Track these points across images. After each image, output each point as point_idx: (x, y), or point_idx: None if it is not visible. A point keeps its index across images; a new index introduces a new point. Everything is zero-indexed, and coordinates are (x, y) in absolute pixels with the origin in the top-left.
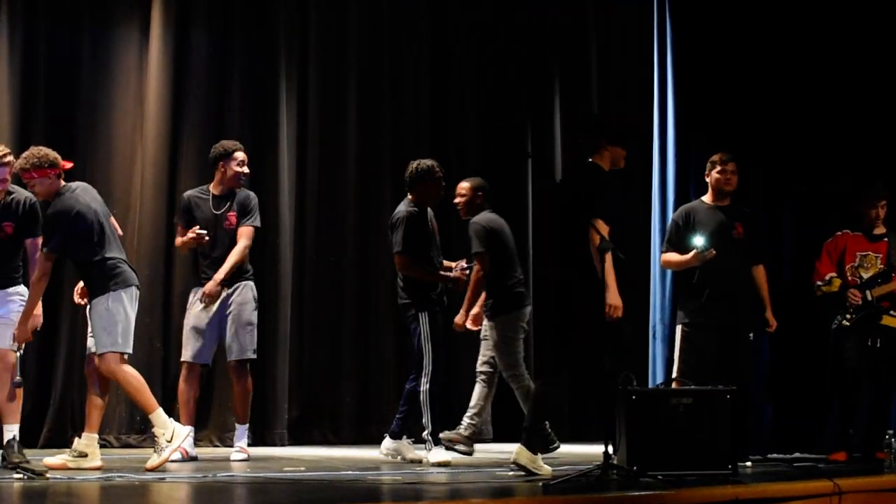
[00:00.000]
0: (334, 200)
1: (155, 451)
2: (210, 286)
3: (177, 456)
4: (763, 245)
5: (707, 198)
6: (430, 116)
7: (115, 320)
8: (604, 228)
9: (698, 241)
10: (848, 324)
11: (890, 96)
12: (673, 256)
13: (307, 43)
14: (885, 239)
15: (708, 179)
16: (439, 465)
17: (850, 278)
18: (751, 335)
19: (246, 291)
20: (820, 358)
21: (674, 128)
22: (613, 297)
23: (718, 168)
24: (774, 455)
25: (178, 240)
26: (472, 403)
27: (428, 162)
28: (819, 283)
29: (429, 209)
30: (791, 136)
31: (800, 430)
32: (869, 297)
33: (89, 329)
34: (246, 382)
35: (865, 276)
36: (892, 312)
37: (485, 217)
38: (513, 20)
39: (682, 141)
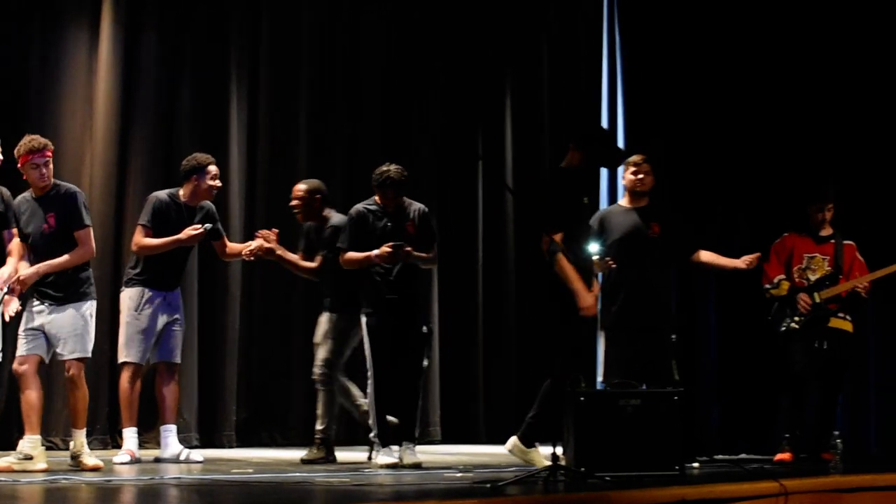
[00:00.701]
0: (284, 202)
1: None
2: None
3: (126, 458)
4: (691, 236)
5: (624, 201)
6: (381, 118)
7: (90, 327)
8: (556, 237)
9: (592, 248)
10: (797, 326)
11: (838, 99)
12: (564, 264)
13: (258, 43)
14: (832, 241)
15: (623, 181)
16: (385, 466)
17: (797, 280)
18: (673, 336)
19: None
20: (767, 360)
21: (623, 131)
22: (582, 299)
23: (632, 169)
24: (721, 456)
25: (158, 241)
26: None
27: (397, 168)
28: (767, 285)
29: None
30: (741, 139)
31: (746, 431)
32: (817, 300)
33: (22, 328)
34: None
35: (813, 278)
36: (839, 315)
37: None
38: (465, 22)
39: (632, 144)
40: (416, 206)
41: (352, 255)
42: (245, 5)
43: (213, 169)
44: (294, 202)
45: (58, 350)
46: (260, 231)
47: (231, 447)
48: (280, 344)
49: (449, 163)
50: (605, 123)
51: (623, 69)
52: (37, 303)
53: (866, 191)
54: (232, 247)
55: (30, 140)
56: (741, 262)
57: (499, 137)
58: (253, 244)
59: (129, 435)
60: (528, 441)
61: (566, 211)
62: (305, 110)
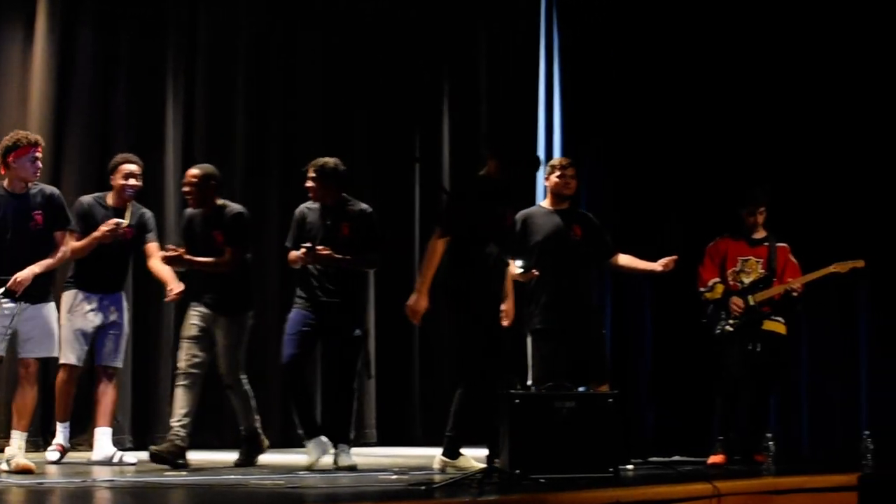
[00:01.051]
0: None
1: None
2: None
3: (56, 456)
4: (609, 240)
5: (545, 202)
6: (321, 118)
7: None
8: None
9: (518, 263)
10: (731, 329)
11: (770, 102)
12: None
13: (195, 42)
14: (766, 244)
15: (546, 183)
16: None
17: (731, 283)
18: (603, 331)
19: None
20: (701, 362)
21: (560, 134)
22: (414, 300)
23: (558, 173)
24: (655, 458)
25: (80, 243)
26: (184, 410)
27: (334, 161)
28: (702, 289)
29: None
30: (677, 141)
31: (681, 433)
32: (751, 303)
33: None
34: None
35: (747, 281)
36: (772, 317)
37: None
38: (403, 23)
39: (569, 148)
40: (360, 208)
41: (290, 254)
42: (182, 3)
43: (125, 168)
44: (187, 188)
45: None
46: (168, 247)
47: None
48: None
49: (386, 164)
50: (542, 124)
51: (561, 70)
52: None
53: (799, 193)
54: (154, 268)
55: (26, 134)
56: (658, 266)
57: (436, 139)
58: (174, 290)
59: (60, 430)
60: (453, 453)
61: (469, 217)
62: (242, 110)
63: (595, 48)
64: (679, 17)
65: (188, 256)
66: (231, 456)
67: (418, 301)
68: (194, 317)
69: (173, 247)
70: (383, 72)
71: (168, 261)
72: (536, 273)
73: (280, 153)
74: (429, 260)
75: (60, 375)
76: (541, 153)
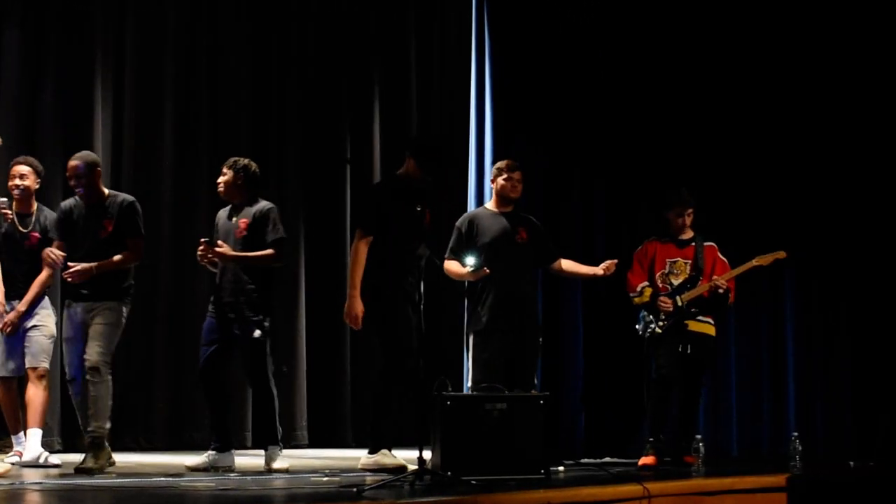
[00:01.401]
0: (150, 203)
1: None
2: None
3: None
4: (551, 244)
5: (491, 204)
6: (249, 120)
7: None
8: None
9: (469, 260)
10: (660, 331)
11: (697, 105)
12: (453, 265)
13: (123, 43)
14: (693, 244)
15: (493, 185)
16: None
17: (661, 286)
18: (539, 339)
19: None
20: (632, 364)
21: (491, 135)
22: (351, 306)
23: (505, 175)
24: (587, 460)
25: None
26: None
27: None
28: (631, 294)
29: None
30: (607, 145)
31: (612, 435)
32: (679, 303)
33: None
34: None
35: (676, 282)
36: (701, 318)
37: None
38: (334, 22)
39: (501, 148)
40: (120, 198)
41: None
42: (109, 2)
43: (11, 171)
44: (73, 180)
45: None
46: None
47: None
48: (144, 344)
49: (316, 165)
50: (473, 121)
51: (492, 66)
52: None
53: (723, 189)
54: (42, 275)
55: None
56: (599, 270)
57: (367, 140)
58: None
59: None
60: (375, 450)
61: (384, 215)
62: (171, 109)
63: (527, 45)
64: (607, 14)
65: (87, 265)
66: (161, 458)
67: (353, 305)
68: (68, 318)
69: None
70: (313, 70)
71: (73, 277)
72: (487, 271)
73: (209, 152)
74: (355, 263)
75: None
76: (472, 151)
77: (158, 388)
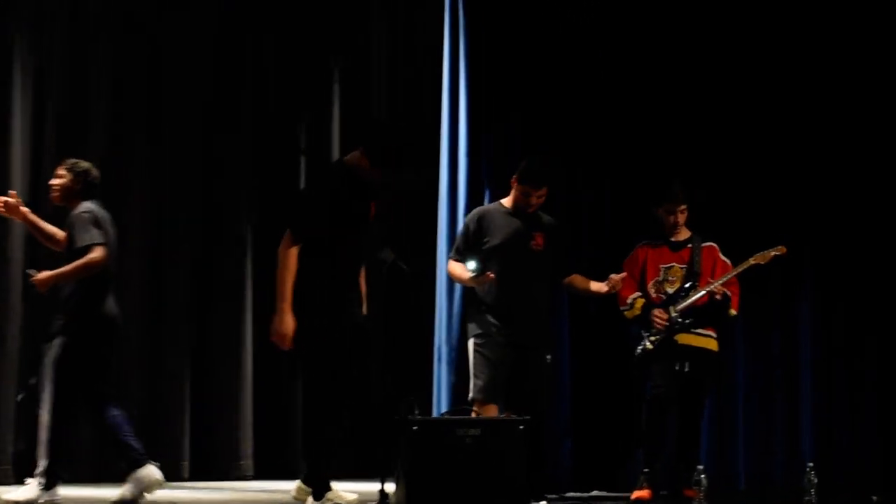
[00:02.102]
0: None
1: None
2: None
3: None
4: (571, 257)
5: (507, 202)
6: (191, 106)
7: None
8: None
9: (471, 264)
10: (651, 347)
11: (699, 96)
12: (457, 268)
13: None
14: (689, 245)
15: (513, 185)
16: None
17: (654, 296)
18: (548, 357)
19: None
20: (625, 385)
21: (466, 127)
22: (280, 323)
23: (523, 190)
24: (573, 494)
25: None
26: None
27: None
28: (622, 307)
29: None
30: (592, 140)
31: (601, 464)
32: (673, 314)
33: None
34: None
35: (671, 290)
36: (700, 331)
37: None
38: (290, 9)
39: (475, 142)
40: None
41: None
42: None
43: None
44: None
45: None
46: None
47: (7, 484)
48: None
49: (268, 157)
50: (446, 110)
51: (467, 50)
52: None
53: (723, 184)
54: None
55: None
56: (604, 287)
57: (325, 130)
58: None
59: None
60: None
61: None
62: (105, 98)
63: (507, 25)
64: (589, 10)
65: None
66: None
67: (283, 321)
68: None
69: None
70: (265, 53)
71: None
72: (492, 276)
73: (149, 144)
74: (285, 272)
75: None
76: (444, 144)
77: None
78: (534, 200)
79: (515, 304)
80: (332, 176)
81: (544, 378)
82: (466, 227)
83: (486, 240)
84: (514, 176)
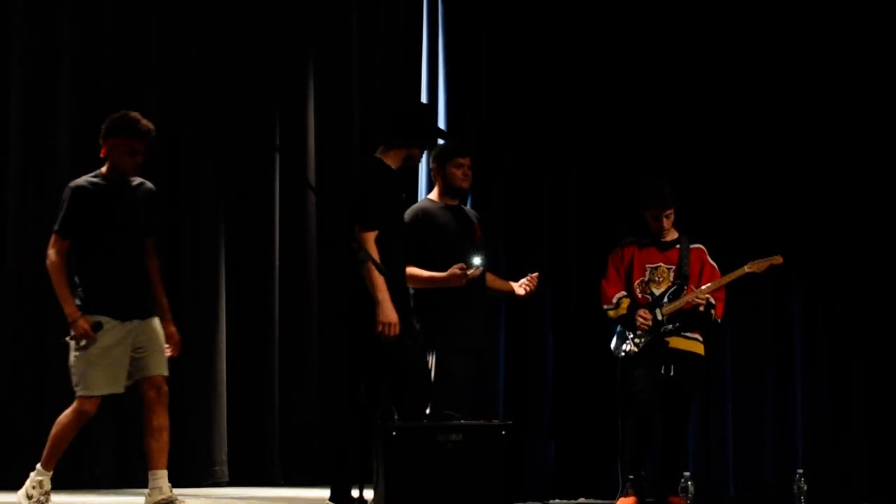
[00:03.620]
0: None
1: None
2: None
3: None
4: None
5: (434, 195)
6: (156, 100)
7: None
8: (368, 237)
9: (476, 260)
10: (636, 350)
11: (683, 90)
12: (418, 271)
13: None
14: (678, 246)
15: (436, 175)
16: None
17: (640, 297)
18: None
19: None
20: (610, 389)
21: (445, 119)
22: (386, 313)
23: (455, 162)
24: (556, 500)
25: None
26: None
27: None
28: (606, 306)
29: None
30: (580, 131)
31: (585, 471)
32: (659, 317)
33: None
34: None
35: (657, 291)
36: (686, 334)
37: None
38: None
39: (454, 133)
40: None
41: None
42: None
43: None
44: None
45: None
46: None
47: None
48: (36, 365)
49: (239, 154)
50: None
51: (446, 44)
52: None
53: (711, 181)
54: None
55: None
56: (518, 287)
57: (299, 124)
58: None
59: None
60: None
61: (388, 208)
62: (67, 90)
63: (485, 15)
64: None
65: None
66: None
67: (390, 309)
68: None
69: None
70: (236, 43)
71: None
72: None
73: None
74: (371, 270)
75: None
76: None
77: (52, 417)
78: (466, 172)
79: (475, 306)
80: (385, 169)
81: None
82: (409, 224)
83: (435, 237)
84: (433, 163)
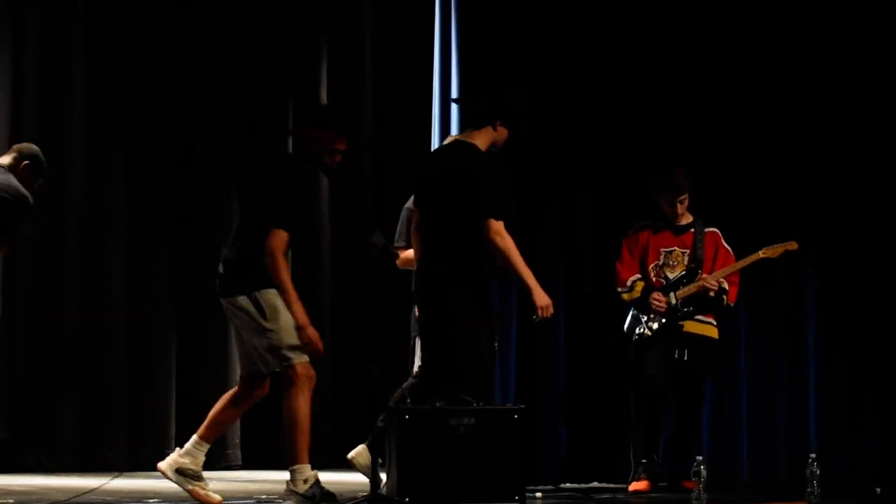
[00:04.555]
0: (56, 187)
1: None
2: None
3: None
4: None
5: None
6: (170, 88)
7: None
8: (501, 227)
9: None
10: (650, 333)
11: (696, 71)
12: (410, 254)
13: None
14: (692, 230)
15: None
16: None
17: (654, 280)
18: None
19: None
20: (622, 373)
21: (458, 111)
22: (541, 296)
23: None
24: (569, 484)
25: None
26: None
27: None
28: (620, 289)
29: None
30: (591, 117)
31: (598, 455)
32: (674, 301)
33: None
34: None
35: (672, 275)
36: (700, 318)
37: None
38: None
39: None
40: None
41: None
42: None
43: None
44: None
45: None
46: None
47: None
48: (48, 350)
49: (251, 140)
50: (437, 91)
51: (458, 34)
52: None
53: (728, 169)
54: None
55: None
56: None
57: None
58: None
59: None
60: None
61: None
62: (81, 83)
63: (498, 3)
64: None
65: None
66: (67, 481)
67: (542, 292)
68: None
69: None
70: (248, 30)
71: None
72: None
73: (123, 128)
74: (515, 252)
75: None
76: (435, 126)
77: (66, 401)
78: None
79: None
80: (490, 158)
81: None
82: (410, 211)
83: None
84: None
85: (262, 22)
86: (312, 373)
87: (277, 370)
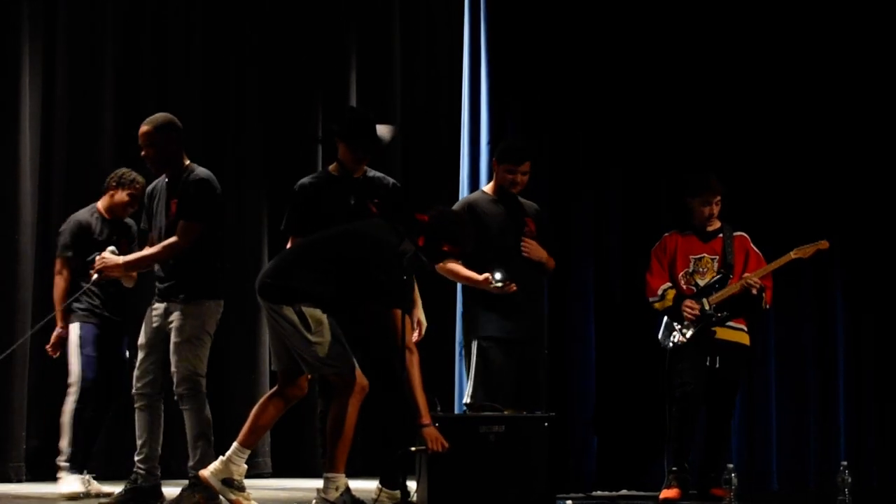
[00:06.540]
0: (85, 193)
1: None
2: None
3: None
4: (554, 243)
5: (488, 189)
6: (201, 95)
7: None
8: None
9: (497, 275)
10: (684, 340)
11: (724, 76)
12: (457, 266)
13: (55, 16)
14: (720, 235)
15: (495, 171)
16: (69, 497)
17: (685, 288)
18: (545, 351)
19: None
20: (653, 381)
21: (487, 114)
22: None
23: (507, 167)
24: (599, 492)
25: None
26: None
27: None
28: (652, 298)
29: None
30: (623, 122)
31: (628, 463)
32: (706, 308)
33: None
34: None
35: (702, 282)
36: (732, 325)
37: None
38: None
39: (497, 129)
40: (193, 173)
41: None
42: None
43: None
44: (142, 150)
45: None
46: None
47: (20, 481)
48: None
49: (282, 145)
50: (466, 95)
51: (488, 38)
52: None
53: (757, 173)
54: None
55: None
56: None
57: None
58: None
59: None
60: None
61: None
62: (112, 86)
63: (528, 8)
64: None
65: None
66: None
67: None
68: (147, 319)
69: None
70: (278, 37)
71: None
72: (514, 287)
73: None
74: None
75: None
76: (465, 132)
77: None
78: (519, 178)
79: (518, 297)
80: (312, 178)
81: (545, 373)
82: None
83: (482, 232)
84: (494, 159)
85: (289, 23)
86: (365, 382)
87: (317, 377)
